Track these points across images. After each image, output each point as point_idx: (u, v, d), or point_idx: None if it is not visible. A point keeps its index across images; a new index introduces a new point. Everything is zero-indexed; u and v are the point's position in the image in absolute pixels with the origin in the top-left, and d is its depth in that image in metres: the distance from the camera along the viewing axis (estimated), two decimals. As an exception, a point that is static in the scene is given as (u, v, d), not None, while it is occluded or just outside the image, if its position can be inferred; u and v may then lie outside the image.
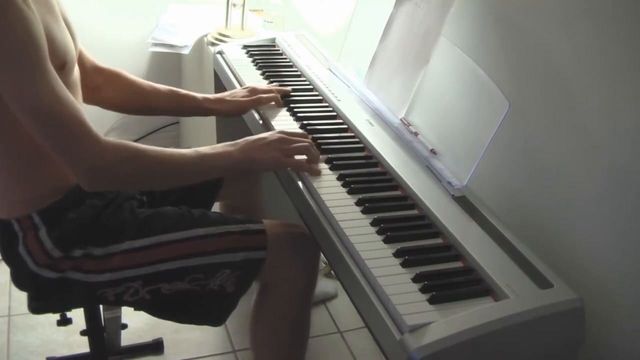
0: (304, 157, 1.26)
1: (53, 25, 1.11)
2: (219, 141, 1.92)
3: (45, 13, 1.10)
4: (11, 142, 1.16)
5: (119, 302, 1.28)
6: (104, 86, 1.43)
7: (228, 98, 1.50)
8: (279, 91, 1.53)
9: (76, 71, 1.24)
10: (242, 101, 1.49)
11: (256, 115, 1.50)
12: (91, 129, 1.09)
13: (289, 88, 1.57)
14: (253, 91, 1.51)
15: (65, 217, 1.22)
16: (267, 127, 1.44)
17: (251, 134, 1.51)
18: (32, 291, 1.31)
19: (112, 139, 1.13)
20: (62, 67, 1.13)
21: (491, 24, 1.35)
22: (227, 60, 1.76)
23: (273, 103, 1.51)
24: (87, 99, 1.37)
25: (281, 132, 1.27)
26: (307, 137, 1.29)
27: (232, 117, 1.52)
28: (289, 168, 1.27)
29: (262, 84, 1.60)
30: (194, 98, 1.49)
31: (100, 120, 2.52)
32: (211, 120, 1.98)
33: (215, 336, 1.94)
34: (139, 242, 1.25)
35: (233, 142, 1.24)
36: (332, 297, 2.13)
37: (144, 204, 1.40)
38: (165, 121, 2.70)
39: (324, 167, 1.28)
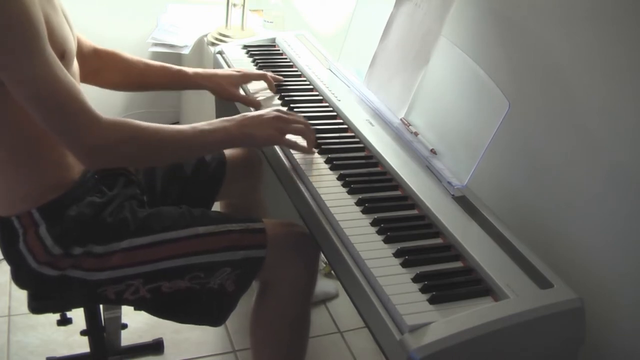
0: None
1: (52, 15, 1.13)
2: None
3: (45, 3, 1.11)
4: (11, 139, 1.17)
5: (120, 301, 1.28)
6: (102, 69, 1.46)
7: (221, 80, 1.53)
8: (273, 78, 1.58)
9: (75, 66, 1.24)
10: (232, 92, 1.53)
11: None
12: (91, 108, 1.11)
13: (280, 78, 1.61)
14: (245, 76, 1.56)
15: (65, 214, 1.23)
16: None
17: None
18: (32, 289, 1.31)
19: (111, 117, 1.14)
20: (62, 57, 1.14)
21: (491, 24, 1.35)
22: (227, 60, 1.76)
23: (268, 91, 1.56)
24: (87, 81, 1.39)
25: (278, 109, 1.30)
26: (302, 120, 1.31)
27: (220, 98, 1.57)
28: (282, 149, 1.31)
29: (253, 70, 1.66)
30: (185, 73, 1.53)
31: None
32: (211, 115, 1.98)
33: (215, 336, 1.94)
34: (140, 240, 1.25)
35: (230, 118, 1.26)
36: (333, 296, 2.13)
37: (144, 203, 1.40)
38: (165, 120, 2.70)
39: (324, 167, 1.28)
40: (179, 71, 1.53)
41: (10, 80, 1.06)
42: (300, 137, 1.30)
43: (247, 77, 1.57)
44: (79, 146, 1.12)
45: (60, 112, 1.08)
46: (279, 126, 1.26)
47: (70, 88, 1.09)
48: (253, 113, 1.28)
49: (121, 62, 1.49)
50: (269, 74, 1.59)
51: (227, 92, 1.54)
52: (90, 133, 1.10)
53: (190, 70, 1.54)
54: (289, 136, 1.29)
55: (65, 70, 1.10)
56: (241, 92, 1.57)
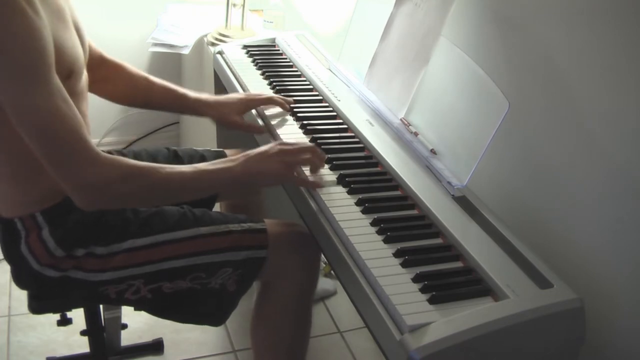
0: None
1: (63, 34, 1.10)
2: (219, 141, 1.94)
3: (56, 21, 1.08)
4: (14, 144, 1.15)
5: (120, 301, 1.28)
6: (106, 78, 1.43)
7: (223, 108, 1.46)
8: (281, 101, 1.48)
9: (84, 78, 1.22)
10: (234, 120, 1.45)
11: (256, 116, 1.50)
12: (90, 145, 1.07)
13: (291, 99, 1.51)
14: (248, 103, 1.48)
15: (68, 217, 1.22)
16: (267, 127, 1.44)
17: (251, 135, 1.51)
18: (33, 290, 1.31)
19: (110, 155, 1.11)
20: (69, 76, 1.12)
21: (491, 24, 1.35)
22: (227, 60, 1.76)
23: (278, 109, 1.48)
24: (91, 90, 1.36)
25: (281, 143, 1.24)
26: (308, 147, 1.25)
27: (221, 125, 1.49)
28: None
29: (262, 91, 1.56)
30: (186, 98, 1.47)
31: (100, 121, 2.52)
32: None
33: (215, 336, 1.94)
34: (142, 241, 1.25)
35: (233, 158, 1.21)
36: (331, 294, 2.13)
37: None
38: (165, 121, 2.70)
39: (324, 167, 1.27)
40: (182, 95, 1.47)
41: (8, 106, 1.03)
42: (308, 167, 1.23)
43: (252, 103, 1.48)
44: (73, 184, 1.07)
45: (56, 146, 1.04)
46: (285, 160, 1.19)
47: (68, 120, 1.05)
48: (256, 150, 1.21)
49: (127, 76, 1.45)
50: (275, 96, 1.50)
51: (229, 121, 1.45)
52: (87, 170, 1.06)
53: (192, 95, 1.47)
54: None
55: (68, 100, 1.06)
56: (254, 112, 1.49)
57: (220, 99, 1.49)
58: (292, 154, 1.21)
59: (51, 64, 1.04)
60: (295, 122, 1.45)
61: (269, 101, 1.49)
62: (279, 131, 1.40)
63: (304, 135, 1.40)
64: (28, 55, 1.01)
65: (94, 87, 1.38)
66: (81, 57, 1.17)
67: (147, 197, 1.17)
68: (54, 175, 1.08)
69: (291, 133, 1.40)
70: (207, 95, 1.50)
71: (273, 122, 1.44)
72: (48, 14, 1.06)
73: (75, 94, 1.13)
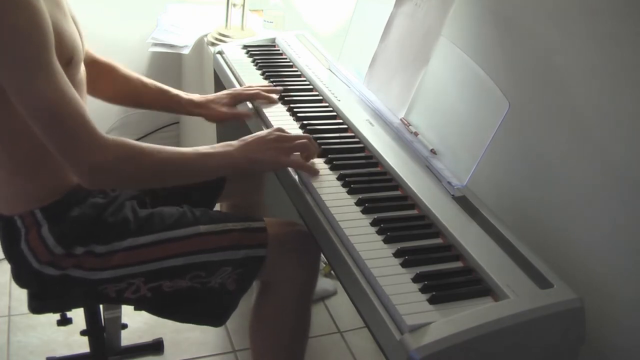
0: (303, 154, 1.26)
1: (62, 21, 1.11)
2: (219, 141, 1.94)
3: (54, 8, 1.10)
4: (14, 140, 1.16)
5: (120, 299, 1.28)
6: (98, 78, 1.43)
7: (211, 104, 1.51)
8: (268, 91, 1.53)
9: (83, 70, 1.23)
10: (221, 112, 1.50)
11: (256, 117, 1.50)
12: (94, 127, 1.10)
13: (279, 88, 1.56)
14: (236, 97, 1.52)
15: (67, 215, 1.23)
16: (267, 126, 1.44)
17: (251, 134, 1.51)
18: (32, 289, 1.31)
19: (114, 137, 1.13)
20: (69, 63, 1.13)
21: (491, 24, 1.35)
22: (227, 60, 1.76)
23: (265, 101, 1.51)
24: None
25: (279, 129, 1.27)
26: (304, 134, 1.29)
27: (212, 121, 1.54)
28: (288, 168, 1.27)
29: (255, 82, 1.60)
30: (178, 100, 1.50)
31: (100, 120, 2.50)
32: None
33: (215, 336, 1.94)
34: (142, 240, 1.25)
35: (232, 142, 1.24)
36: (331, 294, 2.13)
37: (146, 204, 1.40)
38: (165, 121, 2.70)
39: (324, 167, 1.28)
40: (174, 96, 1.50)
41: (12, 91, 1.05)
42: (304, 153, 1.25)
43: (240, 97, 1.53)
44: (78, 164, 1.10)
45: (60, 128, 1.07)
46: (282, 146, 1.23)
47: (73, 104, 1.07)
48: (254, 135, 1.25)
49: (118, 76, 1.47)
50: (261, 90, 1.52)
51: (216, 114, 1.50)
52: (91, 151, 1.09)
53: (185, 96, 1.51)
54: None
55: (70, 84, 1.08)
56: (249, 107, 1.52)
57: (209, 97, 1.54)
58: (289, 140, 1.24)
59: (52, 48, 1.06)
60: (295, 122, 1.45)
61: (256, 97, 1.52)
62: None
63: (304, 135, 1.40)
64: (30, 41, 1.02)
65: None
66: (80, 47, 1.18)
67: (150, 178, 1.20)
68: (60, 157, 1.10)
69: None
70: (198, 96, 1.53)
71: (272, 122, 1.44)
72: (47, 1, 1.07)
73: (74, 84, 1.14)
